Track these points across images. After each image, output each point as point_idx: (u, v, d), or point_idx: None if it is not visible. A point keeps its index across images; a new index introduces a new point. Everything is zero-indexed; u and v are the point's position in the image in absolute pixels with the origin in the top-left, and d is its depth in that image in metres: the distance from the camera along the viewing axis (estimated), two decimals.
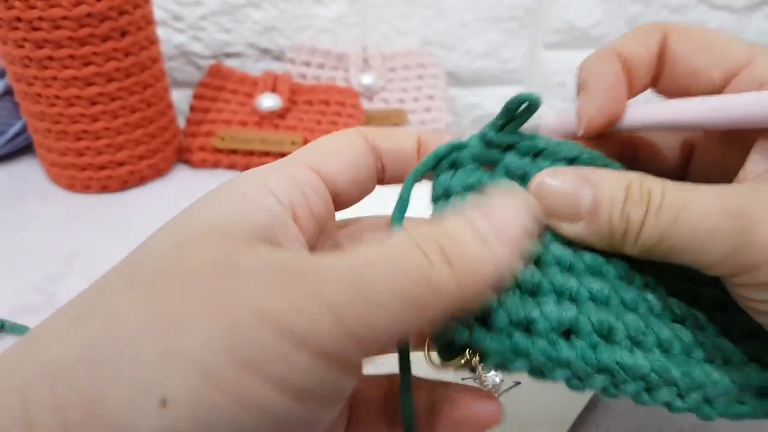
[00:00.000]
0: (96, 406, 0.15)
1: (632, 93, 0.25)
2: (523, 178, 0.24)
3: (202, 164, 0.55)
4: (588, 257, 0.23)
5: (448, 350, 0.21)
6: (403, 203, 0.24)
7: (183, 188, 0.53)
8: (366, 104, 0.60)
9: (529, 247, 0.19)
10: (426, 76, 0.61)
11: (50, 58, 0.45)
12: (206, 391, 0.15)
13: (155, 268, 0.17)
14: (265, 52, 0.66)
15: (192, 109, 0.57)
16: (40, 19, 0.43)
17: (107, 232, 0.47)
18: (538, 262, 0.23)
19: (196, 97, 0.58)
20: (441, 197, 0.23)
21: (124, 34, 0.46)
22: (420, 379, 0.23)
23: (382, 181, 0.25)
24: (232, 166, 0.55)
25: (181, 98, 0.66)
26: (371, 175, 0.24)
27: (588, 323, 0.22)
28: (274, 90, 0.57)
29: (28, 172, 0.55)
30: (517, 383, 0.32)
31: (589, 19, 0.65)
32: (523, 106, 0.23)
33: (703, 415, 0.24)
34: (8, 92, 0.53)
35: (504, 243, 0.18)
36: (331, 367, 0.16)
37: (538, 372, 0.22)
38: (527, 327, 0.21)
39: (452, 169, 0.24)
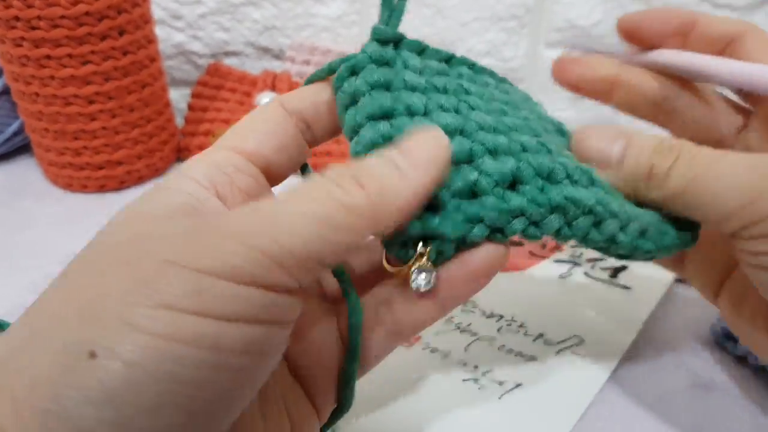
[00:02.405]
0: (36, 377, 0.16)
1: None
2: (421, 72, 0.24)
3: None
4: (509, 120, 0.25)
5: (405, 250, 0.21)
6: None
7: None
8: None
9: (444, 175, 0.20)
10: None
11: (48, 56, 0.44)
12: (133, 336, 0.16)
13: (78, 257, 0.19)
14: (264, 50, 0.65)
15: (190, 108, 0.57)
16: (38, 17, 0.43)
17: None
18: (462, 131, 0.23)
19: (195, 96, 0.58)
20: (350, 104, 0.23)
21: (122, 32, 0.46)
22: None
23: (314, 142, 0.25)
24: None
25: (179, 97, 0.66)
26: (297, 140, 0.24)
27: (530, 168, 0.23)
28: (273, 89, 0.57)
29: (25, 171, 0.55)
30: (519, 385, 0.32)
31: (590, 18, 0.65)
32: None
33: (642, 249, 0.26)
34: (5, 91, 0.52)
35: (416, 168, 0.19)
36: (258, 290, 0.17)
37: (497, 231, 0.22)
38: (473, 192, 0.21)
39: (353, 75, 0.23)
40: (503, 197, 0.22)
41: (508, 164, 0.22)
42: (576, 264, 0.43)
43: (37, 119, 0.48)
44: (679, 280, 0.41)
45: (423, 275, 0.21)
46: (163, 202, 0.20)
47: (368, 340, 0.23)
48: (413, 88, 0.23)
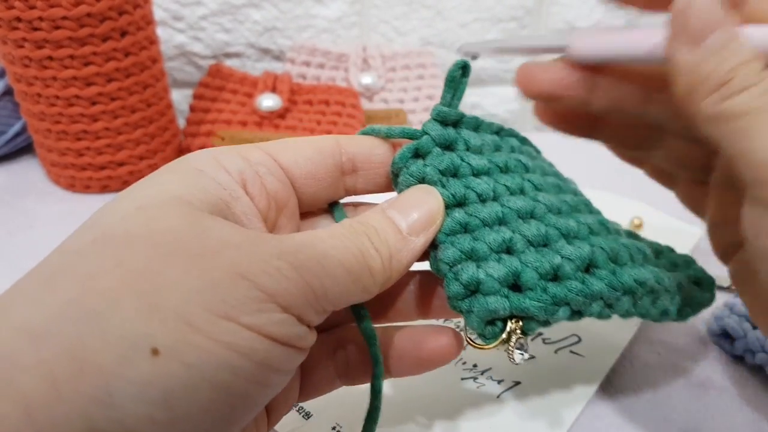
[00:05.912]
0: (84, 361, 0.15)
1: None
2: (479, 152, 0.25)
3: None
4: (569, 198, 0.27)
5: (492, 328, 0.22)
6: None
7: None
8: (366, 104, 0.60)
9: (435, 231, 0.22)
10: (426, 76, 0.61)
11: (50, 58, 0.45)
12: (193, 338, 0.16)
13: (122, 230, 0.17)
14: (265, 52, 0.66)
15: (192, 109, 0.57)
16: (40, 19, 0.43)
17: None
18: (533, 214, 0.24)
19: (196, 97, 0.58)
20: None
21: (124, 34, 0.46)
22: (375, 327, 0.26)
23: (354, 191, 0.25)
24: None
25: (181, 98, 0.66)
26: (333, 178, 0.24)
27: (603, 253, 0.24)
28: (274, 90, 0.57)
29: (28, 172, 0.55)
30: (517, 383, 0.32)
31: (589, 19, 0.65)
32: (459, 71, 0.24)
33: (670, 314, 0.28)
34: (8, 92, 0.53)
35: (416, 233, 0.22)
36: (296, 321, 0.18)
37: (576, 314, 0.24)
38: (555, 275, 0.23)
39: (419, 158, 0.24)
40: (584, 282, 0.23)
41: (584, 249, 0.23)
42: None
43: (40, 120, 0.48)
44: None
45: (523, 353, 0.22)
46: (200, 188, 0.20)
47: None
48: (479, 173, 0.24)
